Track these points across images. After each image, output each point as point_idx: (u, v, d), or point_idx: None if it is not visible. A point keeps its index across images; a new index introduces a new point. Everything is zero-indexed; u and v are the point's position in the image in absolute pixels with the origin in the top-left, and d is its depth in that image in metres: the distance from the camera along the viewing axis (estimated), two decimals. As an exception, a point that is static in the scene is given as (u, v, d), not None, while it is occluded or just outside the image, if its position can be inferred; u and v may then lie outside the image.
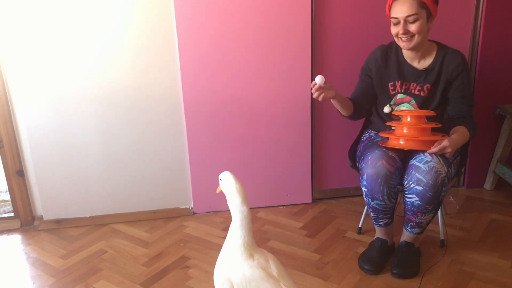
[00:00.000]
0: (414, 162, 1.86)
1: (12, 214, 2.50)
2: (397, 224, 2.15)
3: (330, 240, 2.27)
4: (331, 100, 1.99)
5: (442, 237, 2.18)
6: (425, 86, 1.98)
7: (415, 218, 1.91)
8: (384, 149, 1.91)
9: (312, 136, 2.56)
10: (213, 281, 1.94)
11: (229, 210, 1.35)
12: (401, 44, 1.93)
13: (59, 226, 2.48)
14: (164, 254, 2.19)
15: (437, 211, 1.92)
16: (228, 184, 1.38)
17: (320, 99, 1.89)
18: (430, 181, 1.79)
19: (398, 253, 2.02)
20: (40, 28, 2.19)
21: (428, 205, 1.84)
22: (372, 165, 1.87)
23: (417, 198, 1.83)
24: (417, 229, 1.96)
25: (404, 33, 1.87)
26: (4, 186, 2.59)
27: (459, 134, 1.89)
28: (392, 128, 2.00)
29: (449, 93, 1.99)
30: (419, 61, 1.99)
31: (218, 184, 1.43)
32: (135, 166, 2.47)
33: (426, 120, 1.90)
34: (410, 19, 1.85)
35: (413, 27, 1.86)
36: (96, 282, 2.00)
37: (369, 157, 1.90)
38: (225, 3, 2.25)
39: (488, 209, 2.53)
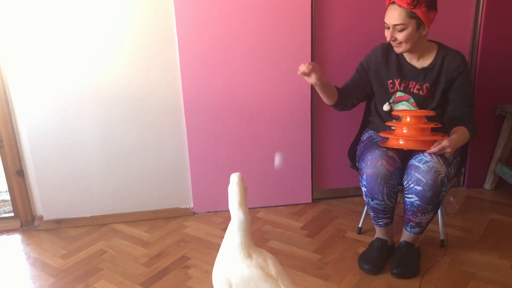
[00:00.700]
0: (413, 162, 1.86)
1: (12, 214, 2.50)
2: (397, 224, 2.15)
3: (330, 240, 2.27)
4: (315, 86, 1.98)
5: (442, 237, 2.18)
6: (425, 85, 1.98)
7: (415, 218, 1.91)
8: (384, 149, 1.91)
9: (312, 136, 2.56)
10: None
11: (229, 210, 1.36)
12: (393, 47, 1.95)
13: (59, 226, 2.48)
14: (164, 254, 2.19)
15: (437, 211, 1.92)
16: (230, 186, 1.38)
17: (311, 76, 1.88)
18: (429, 181, 1.79)
19: (398, 253, 2.02)
20: (40, 28, 2.19)
21: (427, 205, 1.84)
22: (372, 165, 1.87)
23: (416, 198, 1.83)
24: (417, 229, 1.96)
25: (391, 40, 1.90)
26: (4, 186, 2.59)
27: (459, 134, 1.90)
28: (392, 128, 2.00)
29: (449, 94, 1.99)
30: (418, 60, 1.99)
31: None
32: (135, 166, 2.47)
33: (426, 120, 1.91)
34: (398, 28, 1.86)
35: (400, 36, 1.87)
36: (96, 282, 2.00)
37: (369, 157, 1.90)
38: (225, 3, 2.25)
39: (488, 209, 2.53)
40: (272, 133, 2.49)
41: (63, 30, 2.21)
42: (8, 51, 2.22)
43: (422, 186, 1.80)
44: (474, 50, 2.54)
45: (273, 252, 2.17)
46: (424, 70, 1.97)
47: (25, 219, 2.49)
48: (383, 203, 1.91)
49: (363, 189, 1.93)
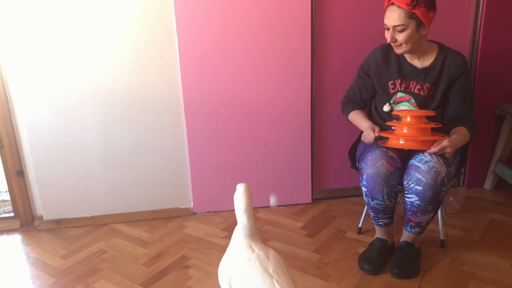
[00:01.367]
0: (413, 162, 1.86)
1: (12, 214, 2.50)
2: (397, 224, 2.15)
3: (330, 240, 2.27)
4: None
5: (442, 237, 2.18)
6: (425, 86, 1.98)
7: (415, 218, 1.91)
8: (384, 149, 1.91)
9: (312, 136, 2.56)
10: (213, 281, 1.96)
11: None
12: (393, 48, 1.95)
13: (59, 226, 2.48)
14: (164, 254, 2.19)
15: (437, 211, 1.92)
16: (236, 195, 1.48)
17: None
18: (429, 181, 1.79)
19: (398, 253, 2.02)
20: (40, 28, 2.19)
21: (427, 205, 1.84)
22: (372, 165, 1.87)
23: (416, 198, 1.83)
24: (417, 229, 1.96)
25: (392, 41, 1.90)
26: (4, 186, 2.59)
27: (459, 135, 1.90)
28: (392, 128, 2.00)
29: (450, 94, 1.99)
30: (418, 60, 1.99)
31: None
32: (135, 166, 2.47)
33: (426, 120, 1.91)
34: (398, 28, 1.86)
35: (400, 37, 1.87)
36: (96, 282, 2.00)
37: (369, 157, 1.90)
38: (225, 3, 2.25)
39: (488, 209, 2.53)
40: (272, 133, 2.49)
41: (63, 30, 2.21)
42: (8, 51, 2.22)
43: (422, 186, 1.80)
44: (474, 50, 2.54)
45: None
46: (425, 70, 1.97)
47: (25, 219, 2.49)
48: (383, 203, 1.91)
49: (363, 189, 1.93)
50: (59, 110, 2.32)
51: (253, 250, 1.45)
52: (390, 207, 1.95)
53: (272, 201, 2.35)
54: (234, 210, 1.47)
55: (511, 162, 2.67)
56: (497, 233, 2.29)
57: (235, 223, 1.48)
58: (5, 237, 2.41)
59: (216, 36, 2.30)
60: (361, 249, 2.14)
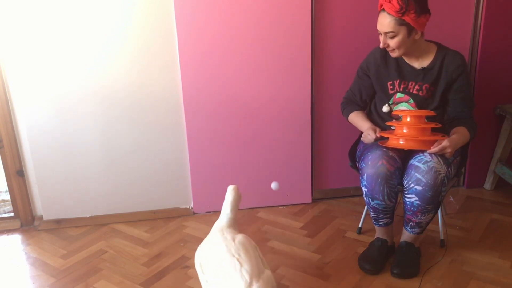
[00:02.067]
0: (413, 162, 1.86)
1: (12, 214, 2.50)
2: (397, 224, 2.15)
3: (330, 240, 2.27)
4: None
5: (442, 237, 2.18)
6: (424, 86, 1.98)
7: (414, 218, 1.91)
8: (384, 149, 1.91)
9: (312, 136, 2.56)
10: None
11: None
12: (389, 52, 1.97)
13: (59, 226, 2.48)
14: (164, 254, 2.19)
15: (437, 211, 1.92)
16: (227, 193, 1.74)
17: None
18: (429, 181, 1.79)
19: (398, 253, 2.02)
20: (40, 28, 2.19)
21: (427, 205, 1.84)
22: (372, 165, 1.87)
23: (416, 198, 1.83)
24: (417, 229, 1.96)
25: (385, 46, 1.91)
26: (4, 186, 2.59)
27: (459, 135, 1.90)
28: (392, 128, 2.00)
29: (449, 95, 1.99)
30: (417, 61, 1.99)
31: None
32: (135, 166, 2.47)
33: (426, 120, 1.91)
34: (389, 35, 1.87)
35: (392, 43, 1.88)
36: (96, 282, 2.00)
37: (369, 157, 1.90)
38: (225, 3, 2.25)
39: (488, 209, 2.53)
40: (272, 133, 2.49)
41: (63, 30, 2.21)
42: (8, 51, 2.22)
43: (422, 186, 1.81)
44: (474, 50, 2.54)
45: (273, 252, 2.18)
46: (423, 70, 1.97)
47: (25, 219, 2.49)
48: (383, 203, 1.91)
49: (364, 189, 1.93)
50: (59, 110, 2.32)
51: (223, 235, 1.62)
52: (390, 207, 1.95)
53: (274, 185, 2.30)
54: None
55: (511, 162, 2.67)
56: (497, 233, 2.29)
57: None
58: (5, 237, 2.41)
59: (216, 36, 2.30)
60: (361, 249, 2.14)
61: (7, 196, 2.64)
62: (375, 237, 2.10)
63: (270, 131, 2.49)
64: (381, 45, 1.91)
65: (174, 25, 2.27)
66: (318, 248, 2.20)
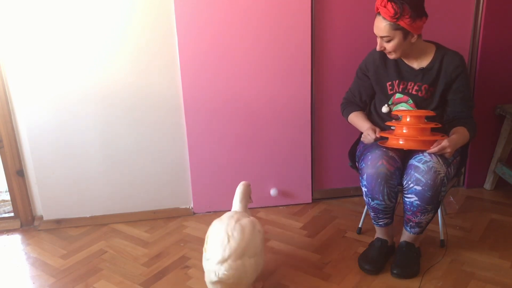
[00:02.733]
0: (413, 162, 1.86)
1: (12, 214, 2.50)
2: (397, 224, 2.15)
3: (330, 240, 2.27)
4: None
5: (442, 237, 2.18)
6: (423, 86, 1.98)
7: (414, 218, 1.91)
8: (384, 149, 1.91)
9: (312, 136, 2.56)
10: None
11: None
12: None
13: (59, 226, 2.48)
14: (164, 254, 2.19)
15: (437, 211, 1.92)
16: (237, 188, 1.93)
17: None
18: (429, 181, 1.79)
19: (398, 253, 2.02)
20: (40, 28, 2.19)
21: (427, 205, 1.84)
22: (372, 165, 1.87)
23: (416, 198, 1.83)
24: (416, 229, 1.96)
25: (381, 49, 1.92)
26: (4, 186, 2.59)
27: (459, 135, 1.90)
28: (392, 128, 2.00)
29: (449, 95, 1.99)
30: (416, 61, 1.99)
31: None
32: (135, 166, 2.47)
33: (425, 120, 1.91)
34: (384, 39, 1.87)
35: (388, 46, 1.89)
36: (96, 282, 2.00)
37: (369, 157, 1.90)
38: (225, 3, 2.25)
39: (488, 209, 2.53)
40: (272, 133, 2.49)
41: (63, 30, 2.21)
42: (8, 51, 2.22)
43: (421, 186, 1.81)
44: (474, 50, 2.54)
45: (273, 252, 2.18)
46: (422, 70, 1.97)
47: (25, 219, 2.49)
48: (383, 203, 1.91)
49: (363, 189, 1.93)
50: (59, 110, 2.32)
51: (231, 216, 1.78)
52: (390, 207, 1.95)
53: (273, 191, 2.45)
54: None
55: (511, 162, 2.67)
56: (497, 233, 2.29)
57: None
58: (5, 237, 2.41)
59: (216, 36, 2.30)
60: (361, 249, 2.14)
61: (7, 196, 2.64)
62: (375, 237, 2.10)
63: (270, 131, 2.49)
64: (378, 48, 1.92)
65: (174, 25, 2.27)
66: (318, 248, 2.20)
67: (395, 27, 1.82)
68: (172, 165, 2.50)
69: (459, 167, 2.01)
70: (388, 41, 1.87)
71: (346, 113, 2.20)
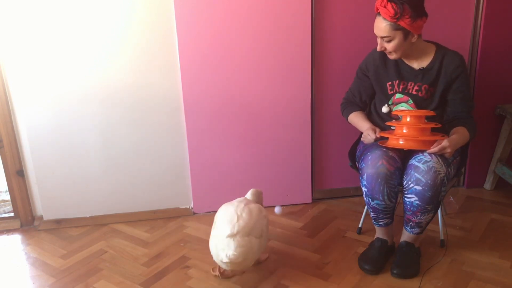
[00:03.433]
0: (413, 162, 1.86)
1: (12, 214, 2.50)
2: (397, 224, 2.15)
3: (330, 240, 2.27)
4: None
5: (442, 237, 2.18)
6: (423, 87, 1.98)
7: (414, 218, 1.91)
8: (384, 149, 1.91)
9: (312, 136, 2.56)
10: (213, 281, 1.96)
11: None
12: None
13: (59, 226, 2.48)
14: (164, 254, 2.19)
15: (437, 211, 1.92)
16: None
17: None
18: (429, 181, 1.79)
19: (398, 253, 2.02)
20: (40, 28, 2.19)
21: (427, 205, 1.84)
22: (372, 165, 1.87)
23: (416, 198, 1.83)
24: (416, 229, 1.96)
25: (382, 49, 1.92)
26: (4, 186, 2.59)
27: (459, 135, 1.90)
28: (392, 128, 2.00)
29: (449, 95, 1.99)
30: (416, 61, 1.99)
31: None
32: (135, 166, 2.47)
33: (425, 120, 1.91)
34: (385, 39, 1.87)
35: (388, 46, 1.89)
36: (96, 282, 2.00)
37: (369, 157, 1.90)
38: (225, 3, 2.25)
39: (488, 209, 2.53)
40: (272, 133, 2.49)
41: (63, 30, 2.21)
42: (8, 51, 2.22)
43: (421, 186, 1.81)
44: (474, 50, 2.54)
45: (273, 252, 2.18)
46: (422, 71, 1.97)
47: (25, 219, 2.49)
48: (383, 203, 1.91)
49: (364, 189, 1.93)
50: (59, 110, 2.32)
51: (241, 201, 1.95)
52: (390, 207, 1.95)
53: (277, 209, 2.48)
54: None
55: (511, 162, 2.67)
56: (497, 233, 2.29)
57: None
58: (5, 237, 2.41)
59: (216, 36, 2.30)
60: (361, 249, 2.14)
61: (7, 196, 2.64)
62: (375, 237, 2.10)
63: (270, 131, 2.49)
64: (378, 48, 1.92)
65: (174, 25, 2.27)
66: (318, 248, 2.20)
67: (395, 27, 1.82)
68: (172, 165, 2.50)
69: (459, 167, 2.01)
70: (389, 41, 1.87)
71: (346, 113, 2.20)
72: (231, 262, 1.78)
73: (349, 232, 2.34)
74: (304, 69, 2.41)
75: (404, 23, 1.80)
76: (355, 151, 2.15)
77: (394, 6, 1.78)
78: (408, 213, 1.92)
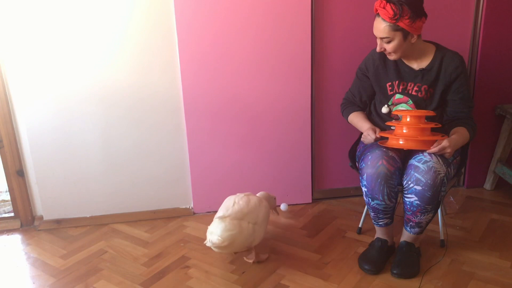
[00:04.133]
0: (413, 162, 1.86)
1: (12, 214, 2.50)
2: (397, 224, 2.15)
3: (330, 240, 2.27)
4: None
5: (442, 237, 2.18)
6: (423, 87, 1.98)
7: (414, 218, 1.91)
8: (384, 149, 1.91)
9: (312, 136, 2.56)
10: (213, 281, 1.96)
11: None
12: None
13: (59, 226, 2.48)
14: (164, 254, 2.19)
15: (437, 211, 1.92)
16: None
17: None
18: (429, 181, 1.79)
19: (398, 253, 2.02)
20: (40, 28, 2.19)
21: (427, 205, 1.84)
22: (372, 165, 1.87)
23: (416, 198, 1.83)
24: (416, 229, 1.96)
25: (381, 50, 1.92)
26: (4, 186, 2.59)
27: (459, 135, 1.90)
28: (392, 128, 2.00)
29: (448, 95, 1.99)
30: (415, 62, 1.99)
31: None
32: (135, 166, 2.47)
33: (425, 120, 1.91)
34: (384, 40, 1.87)
35: (388, 47, 1.89)
36: (96, 282, 2.00)
37: (369, 157, 1.90)
38: (225, 4, 2.25)
39: (488, 209, 2.53)
40: (272, 133, 2.49)
41: (63, 30, 2.21)
42: (8, 51, 2.22)
43: (421, 186, 1.81)
44: (474, 50, 2.54)
45: (273, 252, 2.18)
46: (422, 71, 1.97)
47: (25, 219, 2.49)
48: (383, 203, 1.91)
49: (364, 189, 1.93)
50: (59, 110, 2.32)
51: (248, 194, 2.07)
52: (390, 207, 1.95)
53: (283, 206, 2.55)
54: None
55: (511, 162, 2.67)
56: (497, 233, 2.29)
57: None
58: (5, 237, 2.41)
59: (216, 36, 2.30)
60: (361, 249, 2.14)
61: (7, 196, 2.64)
62: (375, 237, 2.10)
63: (270, 131, 2.49)
64: (378, 49, 1.92)
65: (174, 25, 2.27)
66: (318, 248, 2.20)
67: (395, 28, 1.81)
68: (172, 165, 2.50)
69: (459, 167, 2.01)
70: (388, 42, 1.87)
71: (346, 114, 2.21)
72: (216, 246, 1.89)
73: (349, 232, 2.34)
74: (304, 69, 2.41)
75: (403, 24, 1.80)
76: (355, 151, 2.15)
77: (393, 7, 1.78)
78: (408, 213, 1.92)
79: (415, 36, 1.86)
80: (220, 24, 2.28)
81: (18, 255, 2.24)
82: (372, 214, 2.01)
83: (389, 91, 2.04)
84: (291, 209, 2.59)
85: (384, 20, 1.82)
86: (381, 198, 1.89)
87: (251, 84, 2.40)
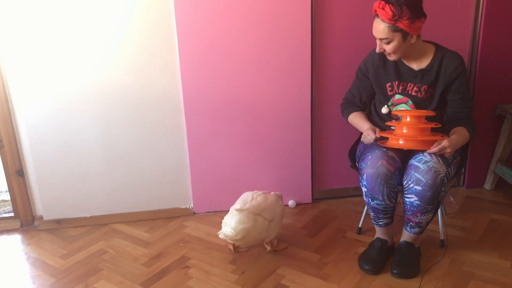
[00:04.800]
0: (413, 162, 1.86)
1: (12, 214, 2.50)
2: (397, 224, 2.15)
3: (330, 240, 2.27)
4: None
5: (442, 237, 2.18)
6: (423, 88, 1.98)
7: (414, 218, 1.91)
8: (384, 149, 1.91)
9: (312, 136, 2.56)
10: (213, 281, 1.96)
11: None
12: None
13: (59, 226, 2.48)
14: (164, 254, 2.19)
15: (437, 211, 1.92)
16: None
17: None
18: (429, 181, 1.79)
19: (398, 253, 2.02)
20: (40, 28, 2.19)
21: (427, 205, 1.84)
22: (372, 165, 1.87)
23: (416, 198, 1.83)
24: (416, 229, 1.96)
25: (381, 51, 1.92)
26: (4, 186, 2.59)
27: (459, 135, 1.90)
28: (392, 128, 2.00)
29: (448, 95, 1.99)
30: (415, 62, 1.99)
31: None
32: (135, 166, 2.47)
33: (426, 120, 1.91)
34: (384, 41, 1.87)
35: (387, 48, 1.89)
36: (96, 282, 2.00)
37: (369, 157, 1.90)
38: (225, 4, 2.25)
39: (488, 209, 2.53)
40: (272, 133, 2.49)
41: (63, 30, 2.21)
42: (8, 51, 2.22)
43: (421, 186, 1.81)
44: (474, 50, 2.54)
45: (273, 252, 2.18)
46: (422, 71, 1.97)
47: (25, 219, 2.49)
48: (383, 203, 1.91)
49: (363, 189, 1.93)
50: (59, 110, 2.32)
51: (260, 192, 2.13)
52: (390, 207, 1.95)
53: (291, 203, 2.60)
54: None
55: (511, 162, 2.67)
56: (497, 233, 2.29)
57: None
58: (5, 237, 2.41)
59: (216, 36, 2.30)
60: (361, 249, 2.14)
61: (7, 196, 2.64)
62: (375, 237, 2.10)
63: (270, 131, 2.49)
64: (377, 50, 1.92)
65: (174, 25, 2.27)
66: (318, 248, 2.20)
67: (394, 29, 1.81)
68: (172, 165, 2.50)
69: (459, 167, 2.01)
70: (388, 43, 1.87)
71: (346, 114, 2.21)
72: (229, 238, 1.96)
73: (349, 232, 2.34)
74: (304, 69, 2.41)
75: (402, 24, 1.80)
76: (355, 151, 2.15)
77: (392, 8, 1.78)
78: (408, 213, 1.92)
79: (415, 37, 1.86)
80: (220, 24, 2.28)
81: (18, 255, 2.24)
82: (372, 214, 2.01)
83: (389, 92, 2.04)
84: (291, 209, 2.59)
85: (383, 21, 1.82)
86: (381, 198, 1.89)
87: (251, 84, 2.40)
